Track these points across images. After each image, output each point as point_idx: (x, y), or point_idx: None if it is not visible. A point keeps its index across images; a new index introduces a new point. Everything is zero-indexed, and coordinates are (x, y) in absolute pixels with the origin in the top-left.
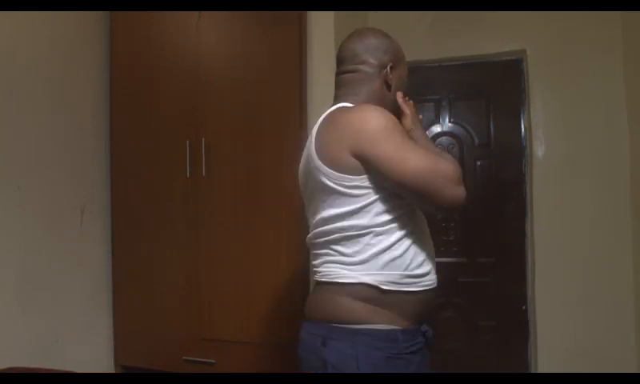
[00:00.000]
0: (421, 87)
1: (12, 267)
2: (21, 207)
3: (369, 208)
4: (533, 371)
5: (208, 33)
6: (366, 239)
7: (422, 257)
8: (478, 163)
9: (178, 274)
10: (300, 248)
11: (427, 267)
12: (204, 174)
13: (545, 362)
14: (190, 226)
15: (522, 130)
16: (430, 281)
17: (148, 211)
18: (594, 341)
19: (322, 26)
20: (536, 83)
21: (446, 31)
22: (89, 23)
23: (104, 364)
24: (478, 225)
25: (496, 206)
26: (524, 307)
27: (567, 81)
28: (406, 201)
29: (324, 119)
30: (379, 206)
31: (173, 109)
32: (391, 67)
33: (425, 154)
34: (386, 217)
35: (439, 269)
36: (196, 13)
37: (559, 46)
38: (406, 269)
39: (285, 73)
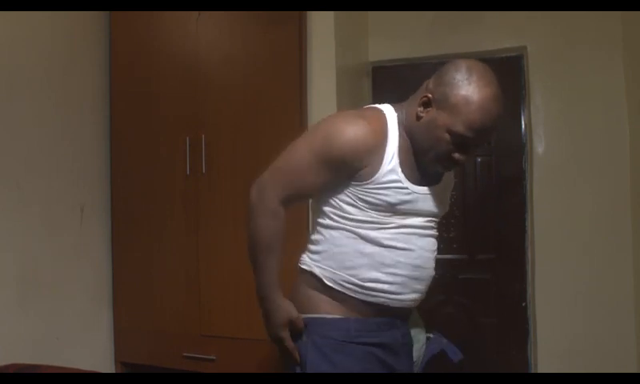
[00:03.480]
0: (421, 84)
1: (12, 265)
2: (21, 206)
3: (334, 201)
4: (533, 368)
5: (207, 31)
6: (327, 231)
7: (378, 274)
8: (479, 160)
9: (178, 271)
10: (299, 245)
11: (387, 286)
12: (204, 171)
13: (545, 358)
14: (189, 223)
15: (523, 126)
16: (387, 300)
17: (148, 209)
18: (594, 338)
19: (322, 26)
20: (536, 80)
21: (446, 28)
22: (88, 22)
23: (104, 361)
24: (478, 222)
25: (496, 203)
26: (524, 304)
27: (568, 78)
28: (379, 212)
29: None
30: (342, 203)
31: (173, 106)
32: (430, 99)
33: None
34: (349, 215)
35: (439, 265)
36: (195, 12)
37: (560, 42)
38: (352, 275)
39: (285, 71)
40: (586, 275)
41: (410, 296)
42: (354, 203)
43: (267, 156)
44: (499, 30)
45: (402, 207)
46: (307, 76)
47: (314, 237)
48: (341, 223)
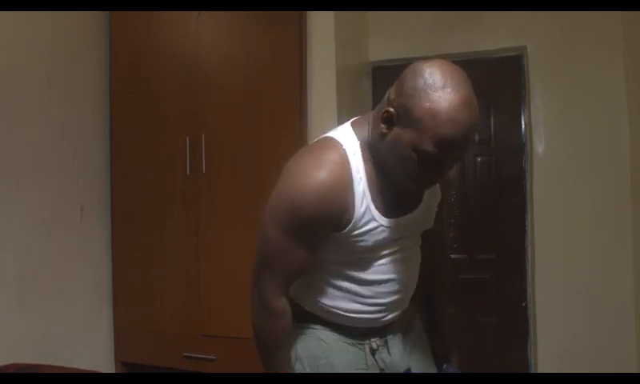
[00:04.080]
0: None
1: (12, 265)
2: (21, 206)
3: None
4: (532, 367)
5: (207, 31)
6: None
7: (357, 305)
8: (479, 160)
9: (178, 271)
10: None
11: (365, 315)
12: (204, 171)
13: (545, 358)
14: (190, 222)
15: (523, 126)
16: (365, 321)
17: (148, 208)
18: (594, 337)
19: (322, 26)
20: (536, 80)
21: (446, 28)
22: (88, 22)
23: (104, 361)
24: (478, 222)
25: (496, 202)
26: (524, 304)
27: (568, 78)
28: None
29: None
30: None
31: (172, 106)
32: (392, 115)
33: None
34: (323, 255)
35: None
36: (195, 12)
37: (560, 42)
38: (328, 305)
39: (285, 71)
40: (585, 275)
41: (390, 315)
42: (330, 249)
43: (267, 156)
44: (499, 30)
45: (380, 244)
46: (307, 76)
47: None
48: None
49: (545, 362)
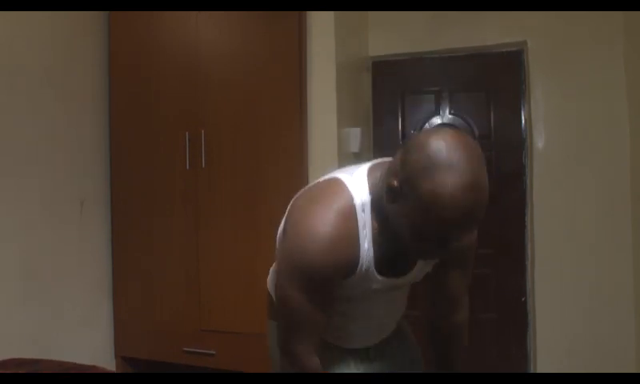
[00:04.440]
0: (421, 79)
1: (12, 259)
2: (21, 200)
3: None
4: (532, 362)
5: (207, 26)
6: None
7: (339, 333)
8: None
9: (177, 266)
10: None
11: (347, 342)
12: (204, 165)
13: (544, 352)
14: (189, 217)
15: (523, 121)
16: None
17: (148, 203)
18: (593, 332)
19: (322, 20)
20: (536, 75)
21: (446, 23)
22: (88, 17)
23: (104, 355)
24: None
25: (496, 197)
26: (523, 299)
27: (568, 73)
28: None
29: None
30: None
31: (172, 102)
32: (394, 189)
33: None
34: None
35: None
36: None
37: (560, 37)
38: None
39: (284, 66)
40: (585, 270)
41: (374, 339)
42: None
43: (267, 151)
44: (499, 25)
45: (371, 294)
46: (307, 71)
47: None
48: None
49: (544, 356)
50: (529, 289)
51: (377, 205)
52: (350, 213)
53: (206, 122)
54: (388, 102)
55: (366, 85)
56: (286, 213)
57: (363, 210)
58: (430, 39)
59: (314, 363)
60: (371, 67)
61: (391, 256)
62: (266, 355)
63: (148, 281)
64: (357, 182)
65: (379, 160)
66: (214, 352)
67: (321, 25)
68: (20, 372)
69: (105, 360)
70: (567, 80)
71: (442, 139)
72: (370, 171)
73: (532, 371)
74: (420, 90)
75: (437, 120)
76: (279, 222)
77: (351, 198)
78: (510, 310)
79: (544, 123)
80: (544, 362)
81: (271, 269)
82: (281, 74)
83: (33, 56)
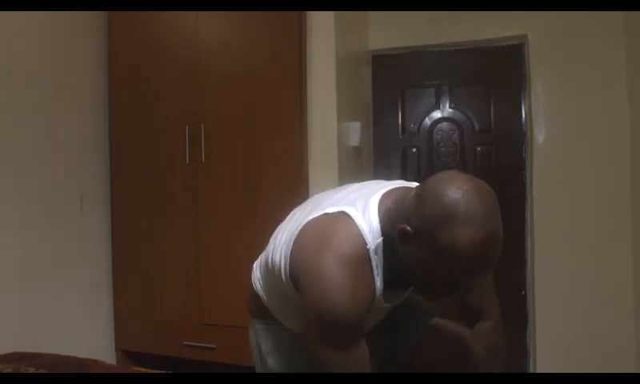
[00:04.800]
0: (421, 73)
1: (13, 254)
2: (20, 195)
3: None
4: (531, 355)
5: (207, 21)
6: (272, 294)
7: None
8: (479, 149)
9: (178, 260)
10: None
11: None
12: (203, 159)
13: (543, 346)
14: (189, 211)
15: (523, 115)
16: None
17: (148, 197)
18: (593, 325)
19: (322, 14)
20: (537, 69)
21: (446, 16)
22: (88, 14)
23: (105, 349)
24: None
25: (496, 192)
26: (523, 292)
27: (568, 67)
28: None
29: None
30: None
31: (172, 96)
32: (409, 234)
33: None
34: None
35: None
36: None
37: (561, 31)
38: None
39: (284, 59)
40: (585, 264)
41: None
42: None
43: (266, 144)
44: (500, 19)
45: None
46: (307, 65)
47: (260, 281)
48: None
49: (544, 350)
50: (529, 283)
51: (387, 243)
52: (364, 259)
53: (205, 117)
54: (388, 96)
55: (366, 79)
56: (291, 245)
57: (376, 253)
58: (431, 33)
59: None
60: (371, 61)
61: (393, 283)
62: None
63: (148, 276)
64: (369, 222)
65: (389, 188)
66: (214, 346)
67: (320, 19)
68: (20, 370)
69: (105, 354)
70: (568, 74)
71: (459, 188)
72: (383, 202)
73: (531, 364)
74: (420, 84)
75: (437, 114)
76: (280, 216)
77: (365, 244)
78: (510, 304)
79: (544, 117)
80: (543, 355)
81: (256, 264)
82: (280, 68)
83: (32, 53)
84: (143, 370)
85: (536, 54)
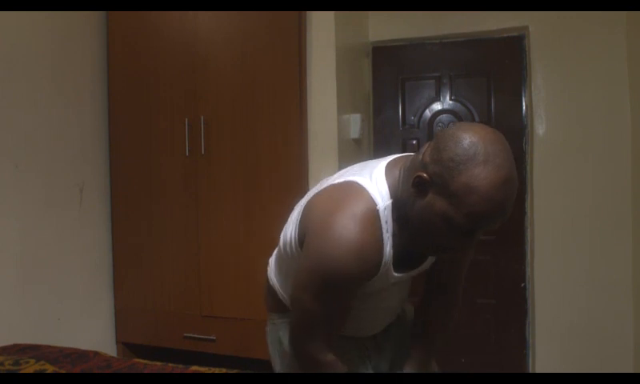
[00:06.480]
0: (422, 64)
1: (12, 246)
2: (19, 186)
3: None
4: (531, 348)
5: (206, 12)
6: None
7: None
8: None
9: (178, 252)
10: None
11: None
12: (203, 152)
13: (543, 339)
14: (189, 203)
15: (523, 107)
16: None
17: (147, 189)
18: (592, 318)
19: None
20: (538, 61)
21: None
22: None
23: (105, 341)
24: None
25: None
26: (523, 285)
27: (569, 58)
28: None
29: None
30: None
31: (171, 87)
32: (425, 181)
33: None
34: None
35: None
36: None
37: (562, 22)
38: None
39: (284, 51)
40: (584, 256)
41: (381, 327)
42: None
43: (266, 136)
44: (501, 10)
45: (387, 288)
46: (307, 56)
47: (276, 275)
48: None
49: (543, 342)
50: (528, 275)
51: (396, 205)
52: (374, 218)
53: (205, 107)
54: (388, 88)
55: (366, 70)
56: (300, 216)
57: (385, 214)
58: (431, 24)
59: (328, 357)
60: (371, 53)
61: (403, 253)
62: (265, 340)
63: (148, 267)
64: (377, 186)
65: (395, 156)
66: (214, 338)
67: (320, 11)
68: (21, 361)
69: (106, 346)
70: (569, 66)
71: (476, 133)
72: (388, 171)
73: (530, 356)
74: (420, 76)
75: (437, 106)
76: (280, 208)
77: (374, 204)
78: (510, 296)
79: (545, 109)
80: (543, 347)
81: (271, 259)
82: (280, 60)
83: (31, 42)
84: (143, 362)
85: (537, 46)
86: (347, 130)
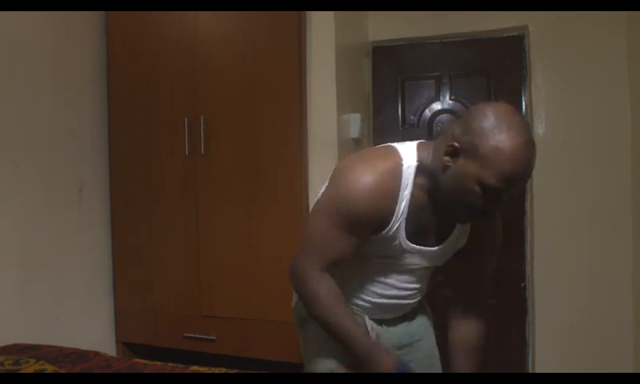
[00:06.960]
0: (421, 64)
1: (12, 246)
2: (19, 186)
3: None
4: (530, 348)
5: (206, 12)
6: None
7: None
8: None
9: (178, 251)
10: (299, 225)
11: (356, 301)
12: (203, 152)
13: (543, 339)
14: (189, 203)
15: (523, 107)
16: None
17: (147, 189)
18: (592, 318)
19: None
20: (538, 60)
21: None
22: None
23: (105, 341)
24: None
25: None
26: (523, 285)
27: (569, 58)
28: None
29: None
30: None
31: (171, 87)
32: (457, 149)
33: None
34: None
35: None
36: None
37: (562, 22)
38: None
39: (284, 50)
40: (584, 256)
41: (393, 314)
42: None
43: (266, 136)
44: (500, 10)
45: (391, 258)
46: (307, 56)
47: None
48: None
49: (543, 342)
50: (528, 275)
51: (424, 173)
52: (396, 172)
53: (205, 107)
54: (388, 88)
55: (366, 70)
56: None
57: (409, 173)
58: (431, 24)
59: (318, 274)
60: (371, 52)
61: (424, 227)
62: (266, 340)
63: (148, 267)
64: (406, 149)
65: (423, 141)
66: (214, 338)
67: (320, 11)
68: (21, 361)
69: (106, 346)
70: (569, 65)
71: (499, 108)
72: (419, 146)
73: (530, 356)
74: (420, 76)
75: (437, 106)
76: (280, 209)
77: (400, 159)
78: (510, 296)
79: (545, 109)
80: (543, 347)
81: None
82: (280, 59)
83: (31, 42)
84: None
85: (537, 46)
86: (347, 130)
